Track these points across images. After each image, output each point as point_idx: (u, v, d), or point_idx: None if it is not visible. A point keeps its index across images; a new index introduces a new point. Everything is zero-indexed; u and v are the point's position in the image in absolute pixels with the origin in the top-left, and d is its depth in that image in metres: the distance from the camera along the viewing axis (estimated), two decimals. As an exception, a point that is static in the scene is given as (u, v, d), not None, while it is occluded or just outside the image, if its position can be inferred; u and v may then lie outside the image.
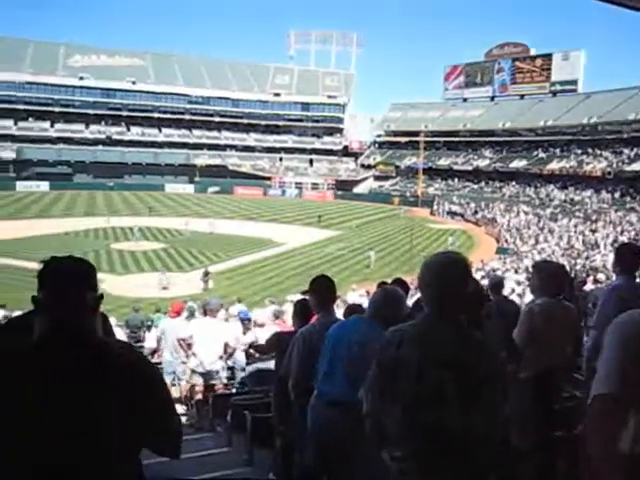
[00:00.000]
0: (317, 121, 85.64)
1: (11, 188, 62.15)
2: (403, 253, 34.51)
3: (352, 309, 4.55)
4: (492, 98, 77.59)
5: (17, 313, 13.71)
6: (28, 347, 1.79)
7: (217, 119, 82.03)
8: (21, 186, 63.59)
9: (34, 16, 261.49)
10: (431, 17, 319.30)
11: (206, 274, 25.07)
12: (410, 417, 1.99)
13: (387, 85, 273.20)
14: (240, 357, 7.83)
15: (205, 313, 7.34)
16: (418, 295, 5.35)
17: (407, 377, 1.98)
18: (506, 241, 39.76)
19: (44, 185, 64.68)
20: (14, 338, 2.24)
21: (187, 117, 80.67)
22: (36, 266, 26.38)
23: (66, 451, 1.65)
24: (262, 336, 7.13)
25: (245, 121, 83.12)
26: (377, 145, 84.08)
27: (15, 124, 72.54)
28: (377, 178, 77.01)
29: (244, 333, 8.33)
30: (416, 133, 71.10)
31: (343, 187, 74.25)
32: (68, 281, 1.82)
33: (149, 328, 11.99)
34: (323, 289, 3.94)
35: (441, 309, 2.09)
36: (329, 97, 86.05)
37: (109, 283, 22.78)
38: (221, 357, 7.11)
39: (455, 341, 2.03)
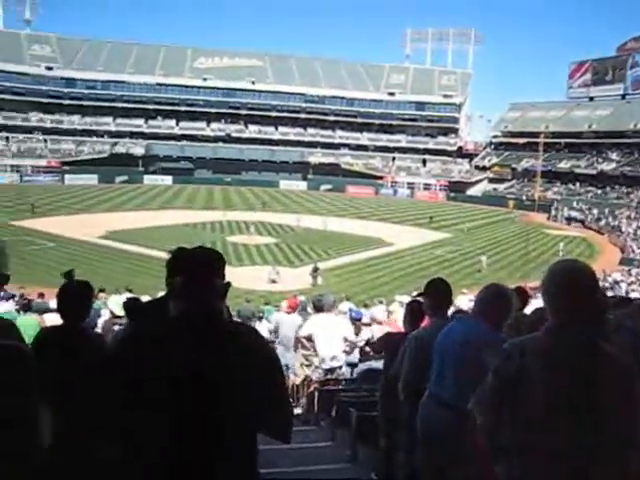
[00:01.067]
0: (431, 121, 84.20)
1: (139, 181, 67.19)
2: (517, 259, 33.17)
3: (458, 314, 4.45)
4: (623, 96, 72.14)
5: (145, 298, 14.64)
6: (164, 329, 1.96)
7: (332, 118, 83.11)
8: (148, 179, 68.47)
9: (166, 21, 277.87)
10: (554, 11, 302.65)
11: (315, 270, 25.50)
12: (535, 432, 1.91)
13: (506, 84, 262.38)
14: (354, 353, 7.88)
15: (319, 309, 7.36)
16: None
17: (533, 389, 1.92)
18: (632, 251, 37.08)
19: (168, 179, 69.04)
20: (149, 321, 2.45)
21: (303, 116, 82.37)
22: (160, 254, 28.09)
23: (199, 426, 1.79)
24: (378, 334, 7.12)
25: (359, 120, 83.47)
26: (493, 146, 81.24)
27: (145, 122, 78.00)
28: (492, 180, 74.46)
29: (356, 333, 8.36)
30: (535, 134, 67.85)
31: (456, 188, 72.55)
32: (201, 269, 1.98)
33: (260, 319, 12.42)
34: (439, 292, 3.85)
35: (568, 319, 1.99)
36: (444, 96, 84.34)
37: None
38: (344, 352, 7.15)
39: (582, 353, 1.94)
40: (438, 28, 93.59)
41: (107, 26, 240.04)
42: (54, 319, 4.99)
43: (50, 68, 75.94)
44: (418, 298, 4.30)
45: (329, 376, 7.07)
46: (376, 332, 7.71)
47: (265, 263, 28.96)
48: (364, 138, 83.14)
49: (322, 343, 6.92)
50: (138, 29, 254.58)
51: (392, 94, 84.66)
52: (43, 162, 67.15)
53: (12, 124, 72.05)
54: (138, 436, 1.85)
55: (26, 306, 8.99)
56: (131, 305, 3.61)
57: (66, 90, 76.36)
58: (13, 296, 13.48)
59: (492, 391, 2.06)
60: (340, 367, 7.14)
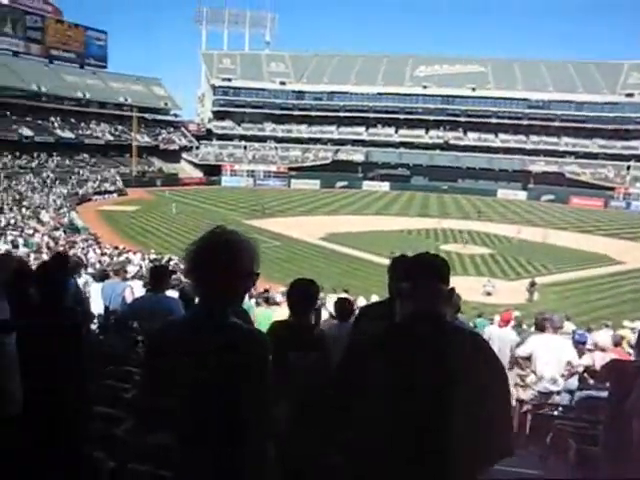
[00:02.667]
0: (679, 125, 74.27)
1: (358, 187, 70.06)
2: None
3: None
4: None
5: (360, 300, 15.18)
6: (390, 329, 2.11)
7: (557, 124, 77.73)
8: (367, 185, 71.07)
9: (389, 32, 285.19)
10: None
11: (532, 285, 24.20)
12: None
13: None
14: (572, 379, 7.39)
15: (541, 328, 7.02)
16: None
17: None
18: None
19: (385, 185, 70.91)
20: (375, 323, 2.60)
21: (525, 122, 78.39)
22: (375, 258, 28.91)
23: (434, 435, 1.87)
24: (600, 361, 6.59)
25: (589, 125, 76.71)
26: None
27: (366, 130, 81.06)
28: None
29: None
30: None
31: None
32: (429, 274, 2.08)
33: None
34: None
35: None
36: (697, 97, 73.80)
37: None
38: (562, 376, 6.78)
39: None
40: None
41: (336, 40, 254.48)
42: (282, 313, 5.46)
43: (283, 83, 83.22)
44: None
45: (543, 400, 6.70)
46: (597, 359, 7.10)
47: (479, 274, 28.22)
48: (593, 145, 76.25)
49: (543, 365, 6.58)
50: (364, 40, 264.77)
51: (630, 95, 76.28)
52: (273, 168, 73.58)
53: (250, 134, 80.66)
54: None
55: (265, 299, 10.05)
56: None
57: (296, 102, 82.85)
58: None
59: None
60: (558, 392, 6.72)
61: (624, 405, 3.70)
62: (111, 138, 68.31)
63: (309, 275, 3.87)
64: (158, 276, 5.12)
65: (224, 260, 1.95)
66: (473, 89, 79.46)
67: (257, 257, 2.04)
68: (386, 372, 1.92)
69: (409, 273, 2.12)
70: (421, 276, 2.07)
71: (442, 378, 1.88)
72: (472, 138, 78.88)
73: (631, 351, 8.21)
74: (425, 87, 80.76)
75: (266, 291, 14.78)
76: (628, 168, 72.32)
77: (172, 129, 77.88)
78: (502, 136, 78.53)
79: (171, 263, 19.69)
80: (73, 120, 66.14)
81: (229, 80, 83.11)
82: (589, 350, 8.03)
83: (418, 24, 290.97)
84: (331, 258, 30.44)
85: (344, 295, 15.30)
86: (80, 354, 3.19)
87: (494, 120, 78.87)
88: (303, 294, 3.51)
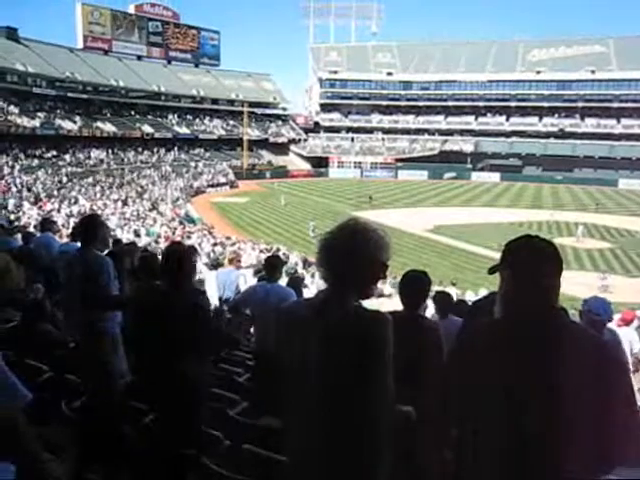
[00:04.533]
0: None
1: (467, 177, 68.32)
2: None
3: None
4: None
5: (469, 294, 14.85)
6: (495, 322, 2.03)
7: (689, 107, 71.30)
8: (476, 176, 69.06)
9: (498, 17, 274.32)
10: None
11: (658, 282, 22.45)
12: None
13: None
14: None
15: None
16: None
17: None
18: None
19: (495, 176, 68.48)
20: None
21: (651, 105, 72.67)
22: (484, 252, 28.06)
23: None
24: None
25: None
26: None
27: (475, 119, 78.77)
28: None
29: None
30: None
31: None
32: (528, 264, 1.91)
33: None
34: None
35: None
36: None
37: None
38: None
39: None
40: None
41: (441, 29, 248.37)
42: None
43: (390, 73, 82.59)
44: None
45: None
46: None
47: (596, 269, 26.58)
48: None
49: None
50: (471, 28, 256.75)
51: None
52: (380, 159, 73.34)
53: (357, 126, 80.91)
54: None
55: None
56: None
57: (403, 92, 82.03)
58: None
59: None
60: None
61: None
62: (223, 133, 71.19)
63: (417, 267, 3.81)
64: (272, 265, 5.30)
65: (355, 248, 2.02)
66: (592, 72, 74.57)
67: (387, 247, 2.09)
68: (495, 370, 1.87)
69: (511, 260, 1.96)
70: (527, 265, 1.91)
71: (551, 379, 1.78)
72: (590, 124, 74.19)
73: None
74: (539, 72, 76.99)
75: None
76: None
77: (281, 123, 79.80)
78: (624, 121, 73.20)
79: (279, 253, 20.22)
80: (189, 117, 69.70)
81: (335, 72, 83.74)
82: None
83: (530, 5, 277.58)
84: (439, 250, 29.91)
85: (450, 289, 15.07)
86: (202, 334, 3.38)
87: (616, 104, 73.69)
88: (416, 286, 3.48)
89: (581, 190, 59.61)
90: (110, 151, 53.46)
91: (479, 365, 1.91)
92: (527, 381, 1.81)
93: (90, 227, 4.28)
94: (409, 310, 3.42)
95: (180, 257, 3.39)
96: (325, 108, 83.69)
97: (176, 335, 3.24)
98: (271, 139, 75.04)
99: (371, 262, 2.04)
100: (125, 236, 20.39)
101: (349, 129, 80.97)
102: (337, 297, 2.05)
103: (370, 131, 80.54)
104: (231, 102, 75.61)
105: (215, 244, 23.37)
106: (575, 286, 23.19)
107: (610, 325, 5.12)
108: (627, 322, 7.77)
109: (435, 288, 14.20)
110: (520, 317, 1.91)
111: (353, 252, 2.01)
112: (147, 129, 61.14)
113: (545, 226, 38.13)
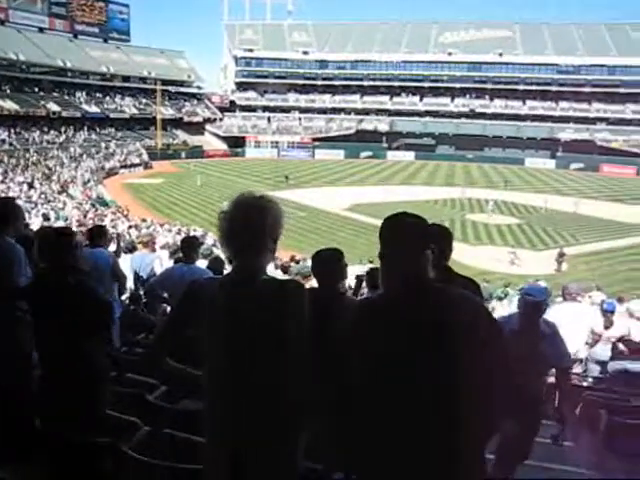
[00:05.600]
0: None
1: (383, 157, 69.60)
2: None
3: None
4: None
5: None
6: (379, 298, 2.09)
7: (588, 89, 75.44)
8: (391, 155, 70.45)
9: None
10: None
11: (561, 255, 23.90)
12: None
13: None
14: (601, 350, 7.31)
15: (563, 296, 7.03)
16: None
17: None
18: None
19: (410, 155, 70.24)
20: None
21: (554, 88, 76.36)
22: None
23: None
24: (635, 331, 6.51)
25: (622, 91, 74.18)
26: None
27: (390, 99, 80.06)
28: None
29: (606, 326, 7.71)
30: None
31: None
32: (409, 237, 2.00)
33: (500, 299, 12.17)
34: None
35: None
36: None
37: (460, 252, 23.58)
38: (586, 344, 6.73)
39: None
40: None
41: (357, 8, 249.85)
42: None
43: (306, 52, 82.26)
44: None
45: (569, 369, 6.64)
46: (633, 329, 6.97)
47: (506, 244, 27.95)
48: (627, 111, 73.91)
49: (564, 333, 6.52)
50: (387, 8, 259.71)
51: (667, 57, 73.47)
52: (297, 138, 73.23)
53: (273, 105, 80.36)
54: None
55: (284, 269, 10.06)
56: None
57: (319, 72, 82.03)
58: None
59: None
60: (581, 360, 6.68)
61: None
62: (135, 111, 68.57)
63: (335, 246, 3.81)
64: (188, 247, 5.18)
65: (252, 219, 2.06)
66: (500, 55, 77.53)
67: (281, 220, 2.15)
68: (376, 340, 1.94)
69: (389, 237, 2.04)
70: (400, 240, 2.00)
71: (427, 343, 1.87)
72: (499, 105, 77.28)
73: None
74: (450, 54, 79.09)
75: (294, 260, 14.80)
76: (662, 134, 70.27)
77: (196, 101, 77.93)
78: (530, 103, 76.72)
79: (197, 234, 19.86)
80: (98, 95, 66.56)
81: (251, 51, 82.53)
82: (610, 321, 7.90)
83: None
84: (356, 229, 30.37)
85: (371, 266, 15.30)
86: (96, 317, 3.28)
87: (522, 87, 77.04)
88: (329, 264, 3.47)
89: (491, 168, 62.17)
90: (12, 131, 50.19)
91: (364, 338, 1.97)
92: (406, 349, 1.88)
93: (4, 213, 3.91)
94: (325, 288, 3.41)
95: (51, 239, 3.30)
96: (241, 87, 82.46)
97: (64, 318, 3.14)
98: (186, 118, 73.11)
99: (271, 231, 2.11)
100: (34, 220, 19.35)
101: (265, 108, 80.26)
102: (245, 271, 2.08)
103: (287, 110, 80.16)
104: (143, 80, 72.80)
105: (130, 227, 22.64)
106: (486, 260, 24.41)
107: (551, 317, 5.19)
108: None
109: (358, 267, 14.46)
110: (394, 290, 2.00)
111: (249, 222, 2.07)
112: (53, 107, 57.80)
113: (458, 203, 39.60)
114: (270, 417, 2.03)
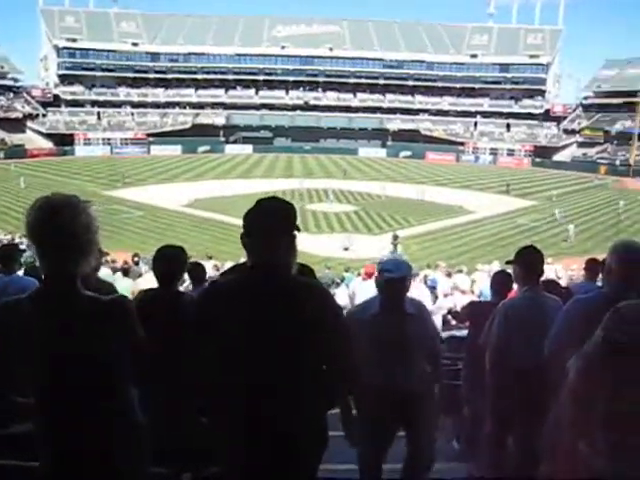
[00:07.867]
0: (516, 83, 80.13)
1: (221, 151, 68.85)
2: (607, 228, 31.55)
3: (547, 284, 4.22)
4: None
5: (228, 264, 14.95)
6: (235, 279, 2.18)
7: (411, 83, 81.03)
8: (229, 149, 70.09)
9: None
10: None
11: (395, 238, 25.34)
12: None
13: (601, 40, 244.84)
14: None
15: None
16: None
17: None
18: None
19: (248, 148, 70.29)
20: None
21: (381, 82, 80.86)
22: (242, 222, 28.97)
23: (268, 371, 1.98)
24: (460, 303, 7.03)
25: (439, 84, 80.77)
26: (583, 108, 76.60)
27: (226, 92, 79.31)
28: (581, 145, 70.62)
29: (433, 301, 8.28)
30: (633, 93, 63.56)
31: (542, 154, 69.33)
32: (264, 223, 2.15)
33: (338, 285, 12.51)
34: (531, 261, 3.61)
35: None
36: (531, 57, 79.88)
37: (302, 241, 24.04)
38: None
39: None
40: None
41: (186, 1, 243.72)
42: (147, 284, 5.25)
43: (136, 44, 78.38)
44: (507, 266, 4.18)
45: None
46: (458, 301, 7.58)
47: (344, 231, 29.07)
48: (444, 103, 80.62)
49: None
50: (219, 2, 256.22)
51: (474, 56, 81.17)
52: (131, 134, 69.93)
53: (103, 99, 75.71)
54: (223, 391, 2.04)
55: (125, 271, 9.53)
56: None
57: (151, 64, 78.78)
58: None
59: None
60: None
61: (479, 340, 3.96)
62: (-61, 106, 60.99)
63: (176, 243, 3.64)
64: (7, 256, 4.65)
65: (60, 224, 1.83)
66: (330, 49, 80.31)
67: (93, 221, 1.92)
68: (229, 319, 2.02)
69: (249, 221, 2.15)
70: (257, 225, 2.11)
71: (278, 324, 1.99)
72: (331, 98, 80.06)
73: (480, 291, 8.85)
74: (283, 47, 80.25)
75: (133, 261, 14.04)
76: (475, 124, 77.62)
77: (13, 95, 70.91)
78: (360, 95, 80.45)
79: (23, 241, 18.14)
80: None
81: (74, 41, 76.71)
82: (435, 296, 8.52)
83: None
84: (196, 224, 29.76)
85: (212, 262, 15.08)
86: None
87: (352, 80, 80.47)
88: (169, 261, 3.31)
89: (327, 159, 64.24)
90: None
91: (208, 321, 2.08)
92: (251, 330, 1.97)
93: None
94: (164, 287, 3.26)
95: None
96: (65, 80, 76.40)
97: None
98: (2, 114, 66.41)
99: (77, 236, 1.87)
100: None
101: (94, 103, 75.25)
102: (55, 282, 1.89)
103: (118, 105, 75.95)
104: (-54, 70, 64.97)
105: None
106: (328, 247, 25.21)
107: (417, 296, 5.02)
108: (370, 275, 8.57)
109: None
110: (255, 274, 2.10)
111: (57, 227, 1.83)
112: None
113: (297, 194, 40.35)
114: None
